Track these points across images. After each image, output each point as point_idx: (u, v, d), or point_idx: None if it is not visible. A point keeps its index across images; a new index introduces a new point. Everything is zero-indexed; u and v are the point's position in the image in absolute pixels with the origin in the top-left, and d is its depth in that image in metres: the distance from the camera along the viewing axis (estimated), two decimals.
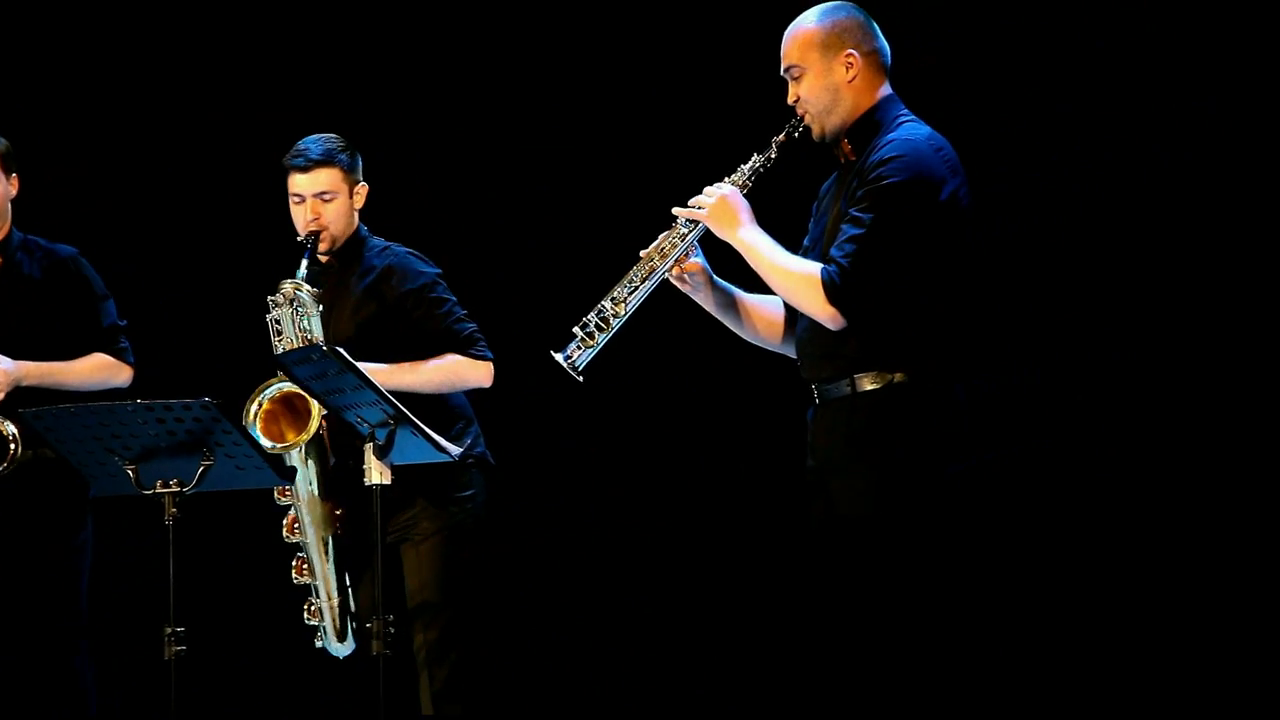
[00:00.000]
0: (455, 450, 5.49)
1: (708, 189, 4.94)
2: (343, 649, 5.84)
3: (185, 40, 7.62)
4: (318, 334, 5.69)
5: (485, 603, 5.92)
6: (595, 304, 4.93)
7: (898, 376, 4.77)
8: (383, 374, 5.57)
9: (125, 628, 6.74)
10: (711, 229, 4.91)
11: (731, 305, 5.08)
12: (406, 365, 5.73)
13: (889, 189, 4.73)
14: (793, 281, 4.80)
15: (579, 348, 4.90)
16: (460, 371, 5.82)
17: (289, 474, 5.67)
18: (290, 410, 5.69)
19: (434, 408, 5.72)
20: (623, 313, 4.91)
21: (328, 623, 5.81)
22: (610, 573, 7.35)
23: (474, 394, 5.92)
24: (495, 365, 5.85)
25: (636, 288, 4.94)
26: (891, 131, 4.84)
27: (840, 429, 4.83)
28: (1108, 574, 6.61)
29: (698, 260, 5.01)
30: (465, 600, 5.82)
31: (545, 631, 7.37)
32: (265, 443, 5.59)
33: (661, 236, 4.98)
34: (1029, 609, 6.70)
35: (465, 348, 5.82)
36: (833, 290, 4.72)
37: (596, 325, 4.91)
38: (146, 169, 7.66)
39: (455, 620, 5.78)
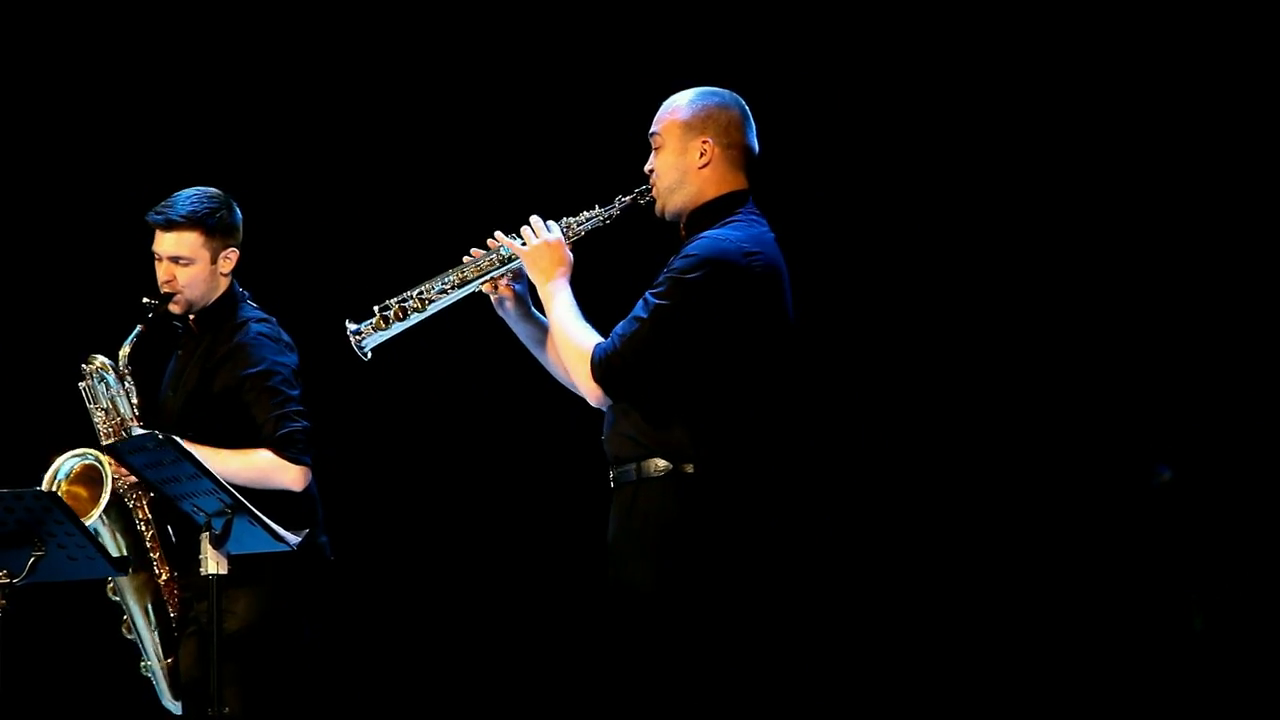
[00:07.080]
0: (294, 539, 5.36)
1: (537, 223, 4.92)
2: (178, 707, 5.74)
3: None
4: (125, 413, 5.62)
5: (285, 693, 5.74)
6: (400, 292, 4.95)
7: (686, 467, 4.74)
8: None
9: None
10: (524, 266, 4.91)
11: (545, 340, 5.05)
12: (215, 451, 5.48)
13: (679, 281, 4.73)
14: (569, 350, 4.82)
15: (371, 328, 4.93)
16: (267, 471, 5.61)
17: (122, 565, 5.55)
18: (89, 483, 5.59)
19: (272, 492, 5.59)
20: (424, 309, 4.94)
21: (161, 683, 5.74)
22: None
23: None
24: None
25: (445, 291, 4.95)
26: (717, 228, 4.83)
27: (623, 515, 4.81)
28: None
29: (513, 288, 5.01)
30: (262, 688, 5.64)
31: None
32: None
33: (480, 252, 4.98)
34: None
35: (280, 447, 5.62)
36: (596, 367, 4.74)
37: (396, 312, 4.92)
38: None
39: (245, 709, 5.60)
